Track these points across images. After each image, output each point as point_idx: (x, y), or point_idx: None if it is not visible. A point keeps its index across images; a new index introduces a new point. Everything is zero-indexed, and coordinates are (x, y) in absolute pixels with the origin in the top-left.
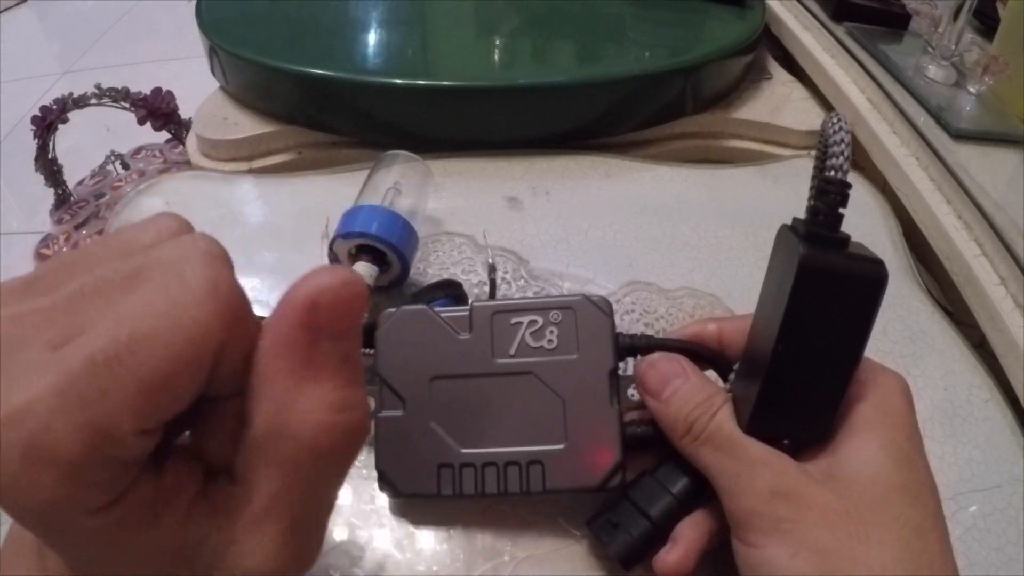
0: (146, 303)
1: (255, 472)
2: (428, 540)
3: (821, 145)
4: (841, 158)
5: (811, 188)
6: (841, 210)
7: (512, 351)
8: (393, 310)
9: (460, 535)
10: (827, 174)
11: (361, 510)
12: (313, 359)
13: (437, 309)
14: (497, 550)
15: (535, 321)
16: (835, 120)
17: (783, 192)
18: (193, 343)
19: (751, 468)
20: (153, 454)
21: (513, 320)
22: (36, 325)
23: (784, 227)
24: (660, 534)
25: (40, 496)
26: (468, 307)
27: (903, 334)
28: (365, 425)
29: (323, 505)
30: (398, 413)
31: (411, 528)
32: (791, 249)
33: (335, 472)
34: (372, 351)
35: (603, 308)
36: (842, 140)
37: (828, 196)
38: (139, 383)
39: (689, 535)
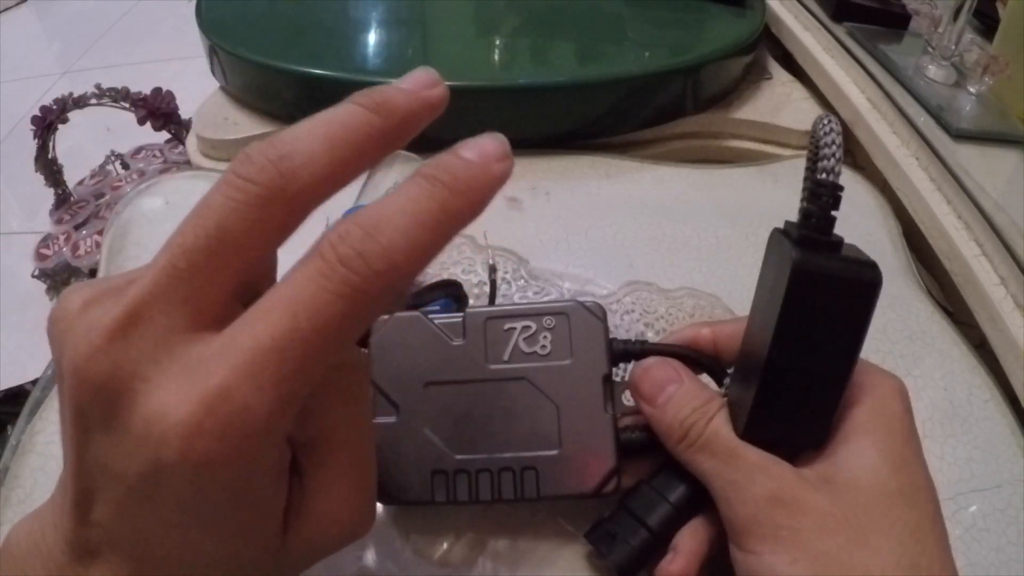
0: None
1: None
2: (428, 541)
3: (812, 147)
4: (832, 160)
5: (803, 191)
6: (833, 212)
7: (506, 357)
8: (386, 317)
9: (460, 535)
10: (819, 176)
11: None
12: None
13: (431, 315)
14: (497, 550)
15: (528, 327)
16: (825, 122)
17: (783, 192)
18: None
19: (748, 474)
20: None
21: (506, 326)
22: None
23: (776, 231)
24: (659, 543)
25: (239, 466)
26: (462, 313)
27: (903, 334)
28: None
29: (368, 433)
30: (391, 419)
31: (410, 528)
32: (784, 253)
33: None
34: (365, 351)
35: (597, 313)
36: (833, 142)
37: (820, 199)
38: (314, 352)
39: (689, 544)
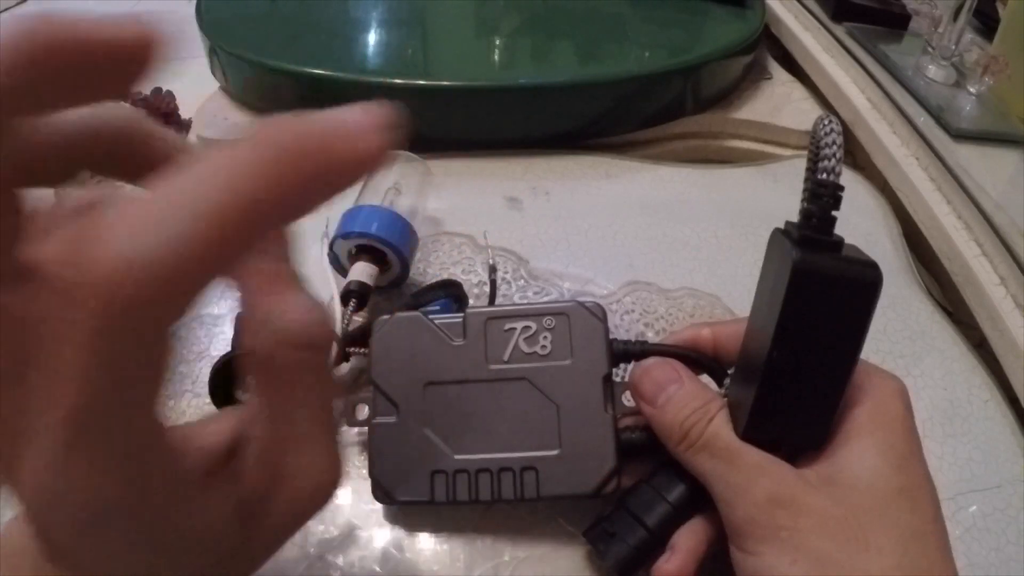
0: None
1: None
2: (428, 540)
3: (812, 147)
4: (833, 160)
5: (803, 191)
6: (834, 212)
7: (506, 357)
8: (387, 317)
9: (460, 535)
10: (819, 176)
11: (361, 510)
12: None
13: (431, 315)
14: (497, 550)
15: (529, 327)
16: (826, 122)
17: (783, 192)
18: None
19: (748, 475)
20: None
21: (507, 326)
22: None
23: (777, 231)
24: (657, 543)
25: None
26: (462, 314)
27: (903, 334)
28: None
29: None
30: (392, 419)
31: (411, 528)
32: (784, 253)
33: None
34: (365, 351)
35: (597, 314)
36: (833, 142)
37: (820, 199)
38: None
39: (687, 543)
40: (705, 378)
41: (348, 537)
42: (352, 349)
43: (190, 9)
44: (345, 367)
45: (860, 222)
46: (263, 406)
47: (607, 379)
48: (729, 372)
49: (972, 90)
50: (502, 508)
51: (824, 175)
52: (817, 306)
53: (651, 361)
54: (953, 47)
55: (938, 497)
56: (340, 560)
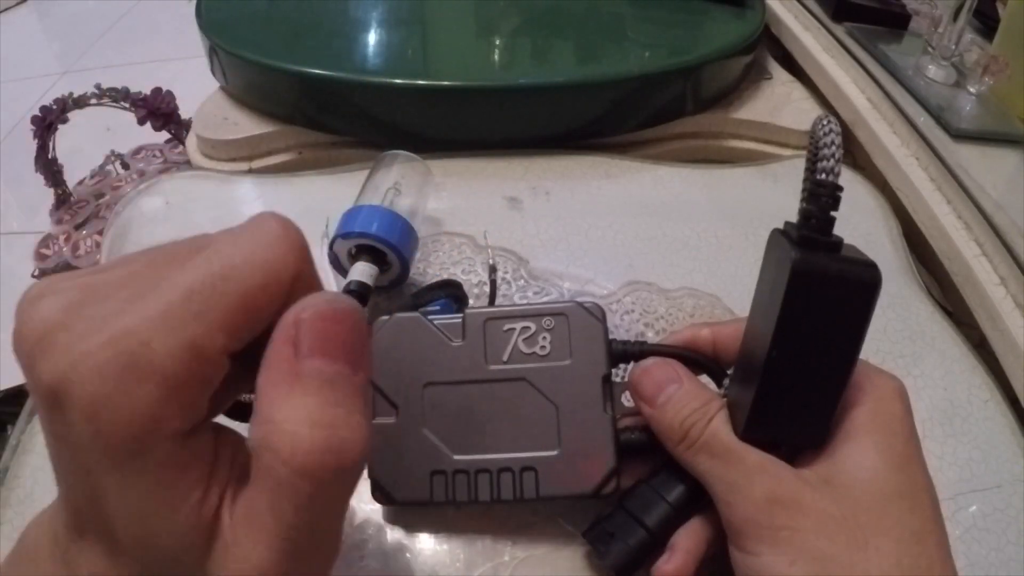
0: (231, 245)
1: (251, 483)
2: (428, 540)
3: (811, 147)
4: (831, 160)
5: (802, 191)
6: (833, 213)
7: (505, 357)
8: (386, 317)
9: (460, 535)
10: (818, 177)
11: (361, 510)
12: (298, 374)
13: (431, 316)
14: (497, 550)
15: (528, 328)
16: (825, 122)
17: (783, 192)
18: (274, 271)
19: (748, 475)
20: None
21: (506, 327)
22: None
23: (776, 231)
24: (656, 543)
25: (133, 410)
26: (461, 314)
27: (903, 334)
28: (354, 449)
29: (320, 535)
30: (391, 420)
31: (411, 528)
32: (783, 254)
33: (325, 497)
34: None
35: (596, 314)
36: (832, 142)
37: (819, 199)
38: (230, 306)
39: (686, 544)
40: (705, 378)
41: (347, 537)
42: None
43: (190, 9)
44: None
45: (860, 222)
46: None
47: (606, 379)
48: (729, 372)
49: (972, 90)
50: (502, 508)
51: (823, 175)
52: (816, 306)
53: (650, 361)
54: (953, 47)
55: (938, 497)
56: (339, 560)
